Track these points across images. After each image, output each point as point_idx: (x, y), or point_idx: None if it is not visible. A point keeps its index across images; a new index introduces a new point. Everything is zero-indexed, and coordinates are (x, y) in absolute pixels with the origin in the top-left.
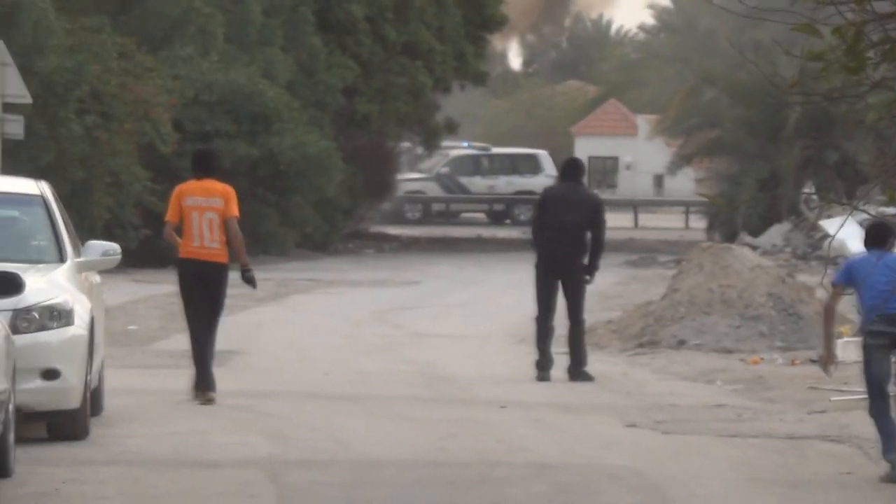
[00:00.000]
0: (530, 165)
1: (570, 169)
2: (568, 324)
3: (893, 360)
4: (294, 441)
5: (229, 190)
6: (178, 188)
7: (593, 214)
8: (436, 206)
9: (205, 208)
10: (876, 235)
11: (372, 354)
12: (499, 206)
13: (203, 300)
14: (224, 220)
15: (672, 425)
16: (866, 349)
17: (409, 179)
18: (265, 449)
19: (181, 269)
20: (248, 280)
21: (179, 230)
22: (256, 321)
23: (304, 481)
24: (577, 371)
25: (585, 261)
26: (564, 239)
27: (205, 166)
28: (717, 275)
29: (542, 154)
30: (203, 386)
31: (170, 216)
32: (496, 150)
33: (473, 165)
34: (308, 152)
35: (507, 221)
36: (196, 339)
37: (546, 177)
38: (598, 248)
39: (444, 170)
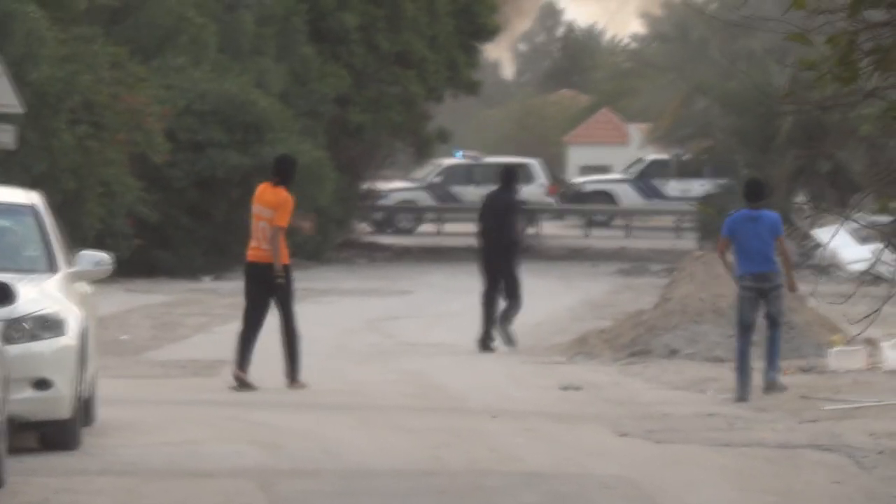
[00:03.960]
0: (523, 175)
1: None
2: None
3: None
4: (286, 450)
5: (284, 200)
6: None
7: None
8: (428, 216)
9: (260, 217)
10: (748, 192)
11: (364, 364)
12: None
13: (260, 297)
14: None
15: (664, 434)
16: (739, 298)
17: (401, 189)
18: (257, 458)
19: (245, 269)
20: (278, 282)
21: None
22: None
23: (296, 491)
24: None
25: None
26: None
27: (279, 173)
28: (709, 284)
29: (535, 163)
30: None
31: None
32: (488, 159)
33: (466, 175)
34: (301, 162)
35: None
36: (244, 330)
37: (539, 186)
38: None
39: (437, 179)
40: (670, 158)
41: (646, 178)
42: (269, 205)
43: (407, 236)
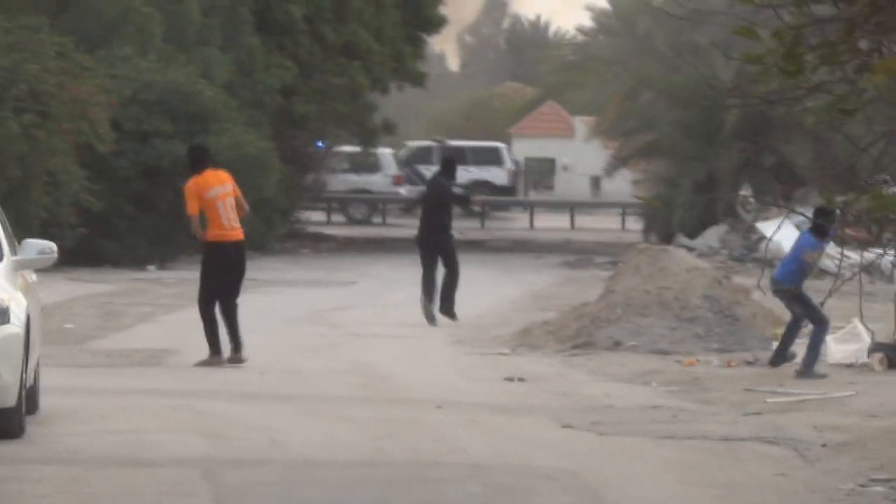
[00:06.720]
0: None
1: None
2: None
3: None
4: (230, 440)
5: (228, 174)
6: (194, 184)
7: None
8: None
9: (223, 195)
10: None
11: (308, 354)
12: None
13: (231, 276)
14: (236, 199)
15: (607, 426)
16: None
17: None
18: (201, 448)
19: (216, 250)
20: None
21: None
22: (192, 320)
23: (240, 480)
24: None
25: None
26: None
27: (204, 160)
28: (654, 276)
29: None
30: (235, 348)
31: (192, 210)
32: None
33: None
34: (246, 152)
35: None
36: (223, 310)
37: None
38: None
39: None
40: (433, 146)
41: (411, 165)
42: (227, 180)
43: (362, 226)
